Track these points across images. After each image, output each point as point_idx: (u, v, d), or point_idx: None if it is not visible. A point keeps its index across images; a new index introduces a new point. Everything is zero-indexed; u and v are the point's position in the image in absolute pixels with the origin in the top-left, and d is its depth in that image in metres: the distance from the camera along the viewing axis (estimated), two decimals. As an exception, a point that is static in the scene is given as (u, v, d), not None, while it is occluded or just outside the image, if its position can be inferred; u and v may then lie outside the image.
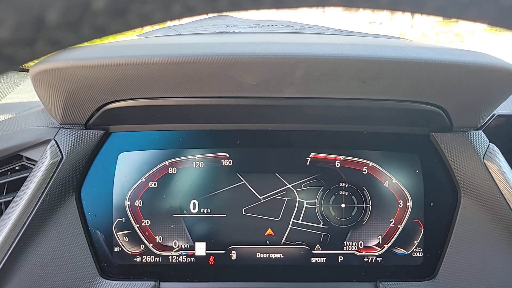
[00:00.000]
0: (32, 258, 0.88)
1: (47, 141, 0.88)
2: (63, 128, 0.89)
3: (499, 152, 0.91)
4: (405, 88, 0.79)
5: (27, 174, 0.88)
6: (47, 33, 0.24)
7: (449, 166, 0.93)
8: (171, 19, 0.29)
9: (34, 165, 0.88)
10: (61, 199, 0.89)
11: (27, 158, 0.91)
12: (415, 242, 0.95)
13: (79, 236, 0.90)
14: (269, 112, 0.89)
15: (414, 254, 0.95)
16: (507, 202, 0.88)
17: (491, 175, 0.89)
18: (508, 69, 0.72)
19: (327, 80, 0.75)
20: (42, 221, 0.87)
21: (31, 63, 0.76)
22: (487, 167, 0.89)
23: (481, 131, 0.92)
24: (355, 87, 0.77)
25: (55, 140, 0.88)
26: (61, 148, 0.87)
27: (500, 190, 0.89)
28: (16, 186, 0.88)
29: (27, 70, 1.25)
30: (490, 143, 0.91)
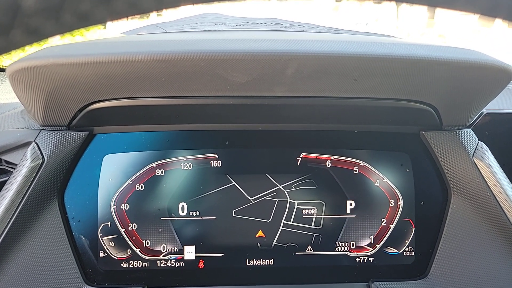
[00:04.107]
0: (13, 266, 0.84)
1: (27, 144, 0.85)
2: (45, 129, 0.86)
3: (488, 150, 0.91)
4: (396, 86, 0.78)
5: (7, 178, 0.85)
6: (25, 19, 0.22)
7: (439, 165, 0.93)
8: (160, 8, 0.27)
9: (14, 168, 0.85)
10: (43, 204, 0.85)
11: (7, 162, 0.88)
12: (406, 241, 0.94)
13: (62, 242, 0.87)
14: (259, 112, 0.88)
15: (405, 253, 0.94)
16: (497, 200, 0.89)
17: (480, 173, 0.89)
18: (499, 66, 0.72)
19: (319, 78, 0.73)
20: (23, 227, 0.84)
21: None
22: (476, 165, 0.89)
23: (470, 129, 0.93)
24: (347, 85, 0.76)
25: (36, 143, 0.84)
26: (42, 151, 0.84)
27: (489, 188, 0.89)
28: (-5, 191, 0.85)
29: (4, 70, 1.21)
30: (479, 141, 0.92)
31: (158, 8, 0.27)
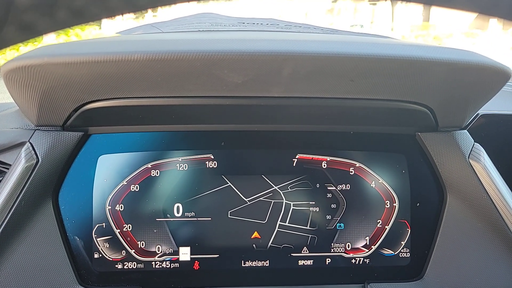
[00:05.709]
0: (6, 267, 0.83)
1: (21, 144, 0.84)
2: (39, 130, 0.85)
3: (484, 151, 0.91)
4: (392, 87, 0.78)
5: (1, 178, 0.84)
6: (18, 15, 0.21)
7: (435, 166, 0.93)
8: (155, 5, 0.27)
9: (8, 169, 0.84)
10: (37, 205, 0.85)
11: (1, 162, 0.87)
12: (402, 242, 0.94)
13: (56, 243, 0.86)
14: (255, 113, 0.87)
15: (401, 254, 0.94)
16: (493, 201, 0.89)
17: (476, 174, 0.89)
18: (496, 67, 0.72)
19: (315, 79, 0.73)
20: (17, 228, 0.83)
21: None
22: (472, 167, 0.90)
23: (466, 130, 0.93)
24: (343, 85, 0.76)
25: (30, 143, 0.84)
26: (36, 151, 0.83)
27: (485, 189, 0.89)
28: (-12, 191, 0.84)
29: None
30: (475, 143, 0.92)
31: (153, 5, 0.26)
